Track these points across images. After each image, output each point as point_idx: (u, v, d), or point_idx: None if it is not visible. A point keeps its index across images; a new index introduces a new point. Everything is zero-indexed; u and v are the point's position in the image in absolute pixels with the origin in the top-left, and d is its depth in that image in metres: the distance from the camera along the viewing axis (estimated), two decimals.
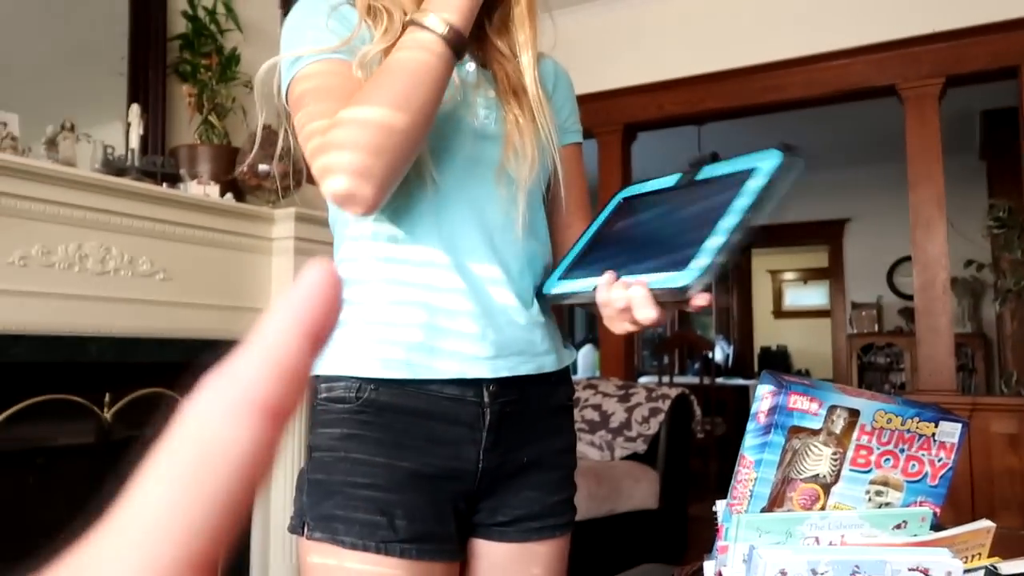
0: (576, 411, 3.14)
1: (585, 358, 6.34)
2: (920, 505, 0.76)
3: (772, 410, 0.75)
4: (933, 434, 0.76)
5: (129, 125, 2.24)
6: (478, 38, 0.94)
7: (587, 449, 3.04)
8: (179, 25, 2.50)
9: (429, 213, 0.85)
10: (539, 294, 0.89)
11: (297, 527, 0.84)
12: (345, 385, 0.84)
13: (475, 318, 0.85)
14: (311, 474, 0.85)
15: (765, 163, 0.76)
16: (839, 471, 0.76)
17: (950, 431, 0.76)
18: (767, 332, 8.07)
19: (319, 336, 0.19)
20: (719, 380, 5.57)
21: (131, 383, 2.14)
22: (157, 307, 2.14)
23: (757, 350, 7.80)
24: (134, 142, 2.22)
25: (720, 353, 6.97)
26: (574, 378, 4.12)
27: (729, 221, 0.70)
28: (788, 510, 0.75)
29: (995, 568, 0.70)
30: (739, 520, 0.71)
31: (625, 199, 0.91)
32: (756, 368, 7.45)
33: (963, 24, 2.84)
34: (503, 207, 0.88)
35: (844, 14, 3.06)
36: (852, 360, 6.13)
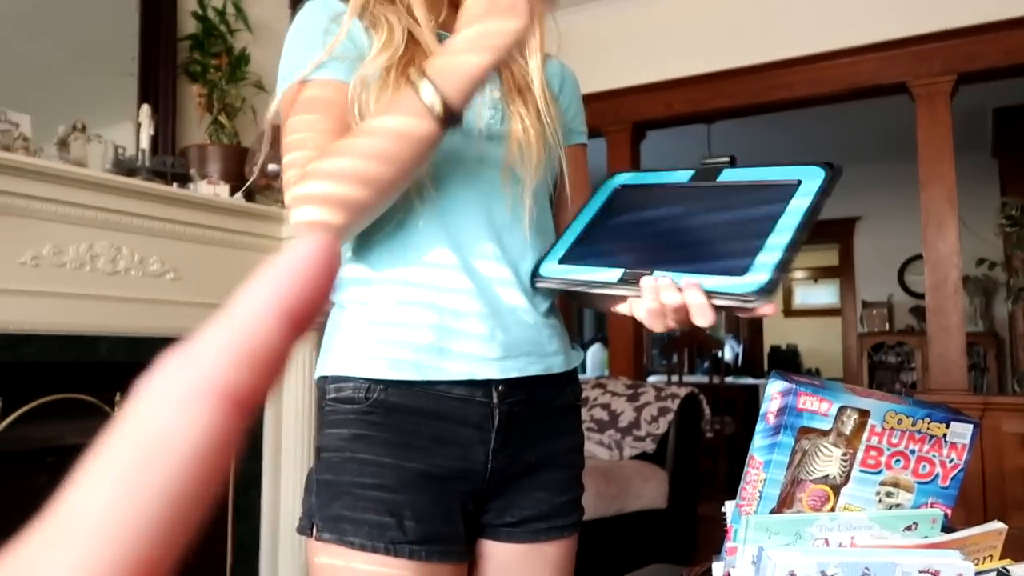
0: (585, 410, 3.14)
1: (594, 357, 6.34)
2: (931, 506, 0.75)
3: (781, 411, 0.74)
4: (944, 435, 0.75)
5: (139, 125, 2.25)
6: None
7: (596, 448, 3.03)
8: (189, 25, 2.51)
9: (436, 214, 0.85)
10: (534, 275, 0.85)
11: (305, 528, 0.84)
12: (353, 386, 0.84)
13: (483, 318, 0.85)
14: (319, 475, 0.85)
15: (809, 180, 0.79)
16: (849, 472, 0.75)
17: (961, 432, 0.76)
18: (777, 331, 8.03)
19: (300, 319, 0.16)
20: (728, 379, 5.55)
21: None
22: (167, 307, 2.15)
23: (767, 349, 7.77)
24: (144, 142, 2.23)
25: (730, 352, 6.95)
26: (583, 377, 4.12)
27: (783, 237, 0.73)
28: (797, 511, 0.75)
29: (1006, 570, 0.69)
30: (748, 521, 0.70)
31: (622, 187, 0.90)
32: (766, 367, 7.43)
33: (975, 21, 2.81)
34: (510, 206, 0.87)
35: (854, 11, 3.04)
36: (863, 359, 6.09)
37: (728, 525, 0.75)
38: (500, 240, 0.87)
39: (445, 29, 0.89)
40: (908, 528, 0.72)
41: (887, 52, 2.97)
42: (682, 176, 0.88)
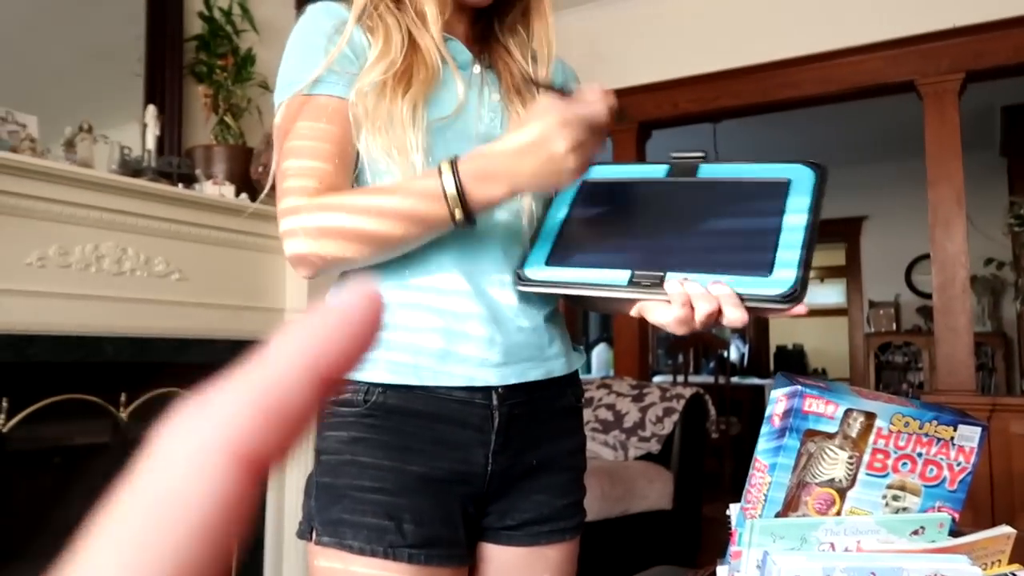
0: (590, 411, 3.14)
1: (599, 357, 6.33)
2: (938, 510, 0.74)
3: (787, 413, 0.74)
4: (952, 438, 0.75)
5: (145, 126, 2.25)
6: (486, 38, 0.93)
7: (600, 449, 3.03)
8: (195, 26, 2.51)
9: None
10: (521, 278, 0.82)
11: (305, 532, 0.84)
12: (353, 389, 0.83)
13: (484, 323, 0.84)
14: (319, 478, 0.84)
15: (798, 179, 0.79)
16: (855, 475, 0.74)
17: (969, 435, 0.75)
18: (783, 331, 8.01)
19: (331, 378, 0.15)
20: (734, 379, 5.54)
21: (147, 383, 2.16)
22: (173, 307, 2.16)
23: (773, 349, 7.74)
24: (150, 143, 2.23)
25: (735, 352, 6.93)
26: (588, 377, 4.12)
27: (796, 235, 0.74)
28: (803, 514, 0.74)
29: None
30: (753, 525, 0.70)
31: (589, 182, 0.88)
32: (772, 367, 7.40)
33: (983, 19, 2.79)
34: (510, 209, 0.87)
35: (861, 10, 3.03)
36: (869, 359, 6.07)
37: (732, 529, 0.74)
38: (500, 243, 0.86)
39: (447, 29, 0.88)
40: (915, 532, 0.71)
41: (895, 50, 2.95)
42: (657, 171, 0.87)
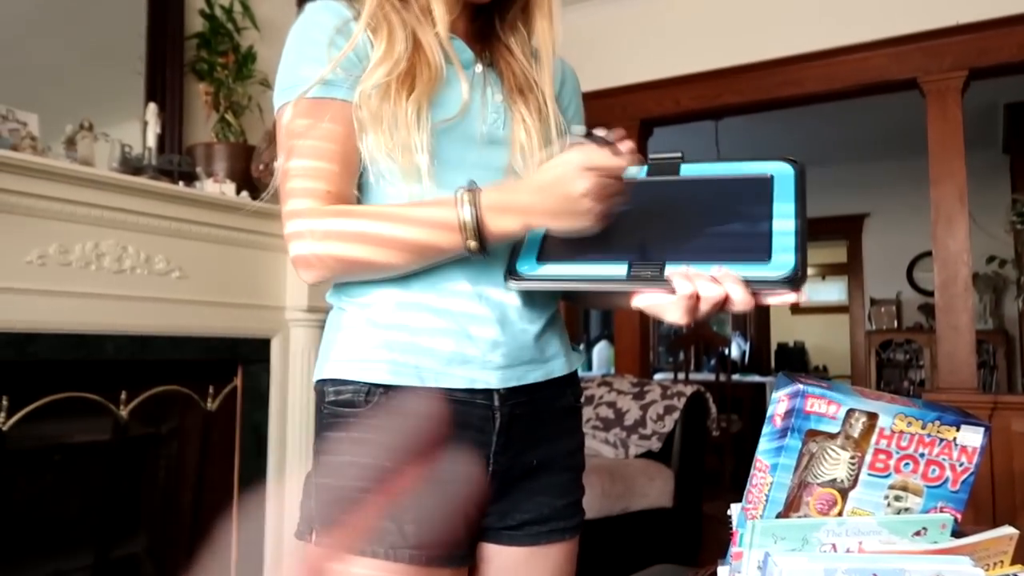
0: (590, 408, 3.14)
1: (600, 354, 6.32)
2: (941, 511, 0.74)
3: (788, 413, 0.73)
4: (954, 438, 0.74)
5: (146, 124, 2.25)
6: (487, 36, 0.92)
7: (601, 447, 3.03)
8: (196, 24, 2.51)
9: None
10: (512, 273, 0.82)
11: (304, 533, 0.83)
12: (354, 389, 0.83)
13: (488, 325, 0.84)
14: (318, 479, 0.84)
15: (779, 174, 0.81)
16: (857, 476, 0.74)
17: (972, 435, 0.74)
18: (784, 328, 8.00)
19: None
20: (735, 377, 5.53)
21: (147, 381, 2.16)
22: (173, 305, 2.16)
23: (774, 346, 7.73)
24: (151, 141, 2.23)
25: (736, 350, 6.92)
26: (589, 375, 4.10)
27: (788, 223, 0.76)
28: (804, 515, 0.74)
29: None
30: (754, 526, 0.69)
31: None
32: (773, 365, 7.40)
33: (987, 16, 2.79)
34: None
35: (864, 7, 3.02)
36: (870, 357, 6.06)
37: (734, 529, 0.74)
38: None
39: (453, 30, 0.88)
40: (917, 533, 0.71)
41: (898, 48, 2.94)
42: (636, 172, 0.87)
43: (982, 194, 3.83)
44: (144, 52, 2.40)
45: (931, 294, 4.75)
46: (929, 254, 3.19)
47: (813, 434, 0.73)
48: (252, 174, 2.41)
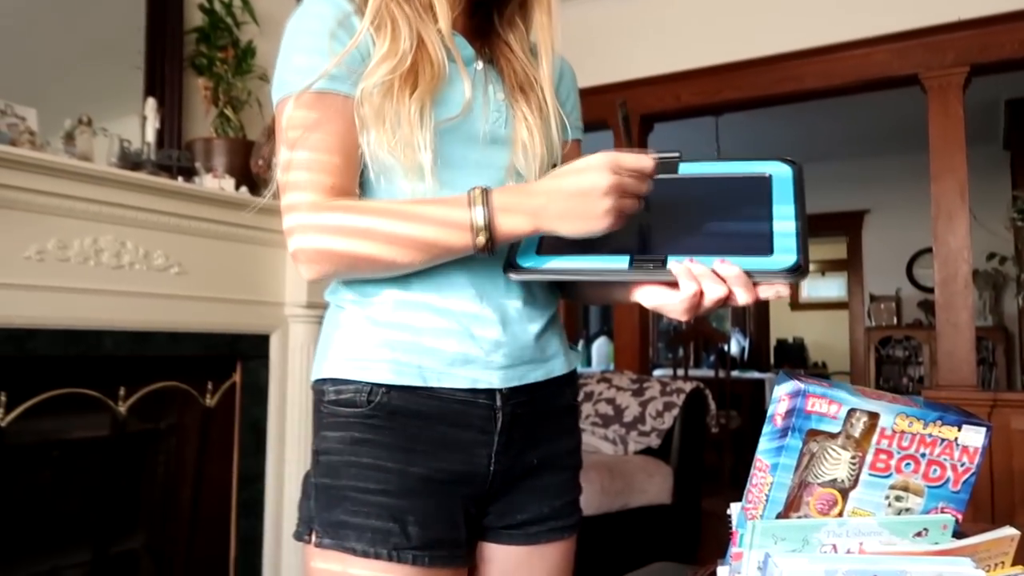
0: (590, 405, 3.13)
1: (599, 351, 6.33)
2: (941, 511, 0.74)
3: (789, 413, 0.73)
4: (956, 438, 0.74)
5: (145, 119, 2.24)
6: (486, 32, 0.92)
7: (600, 443, 3.03)
8: (195, 18, 2.50)
9: None
10: (512, 266, 0.80)
11: (303, 534, 0.83)
12: (355, 389, 0.82)
13: (490, 325, 0.84)
14: (318, 479, 0.83)
15: (778, 173, 0.82)
16: (858, 476, 0.74)
17: (974, 435, 0.74)
18: (783, 324, 8.00)
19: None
20: (734, 373, 5.53)
21: (146, 377, 2.16)
22: (172, 301, 2.15)
23: (773, 343, 7.74)
24: (150, 136, 2.23)
25: (736, 346, 6.93)
26: (588, 371, 4.10)
27: (788, 220, 0.77)
28: (804, 515, 0.74)
29: None
30: (754, 527, 0.69)
31: None
32: (772, 361, 7.40)
33: (989, 12, 2.78)
34: None
35: (865, 2, 3.01)
36: (870, 353, 6.07)
37: (734, 529, 0.74)
38: None
39: (453, 26, 0.87)
40: (918, 534, 0.70)
41: (899, 43, 2.93)
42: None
43: (982, 191, 3.82)
44: (143, 47, 2.39)
45: (931, 291, 4.75)
46: (929, 250, 3.19)
47: (814, 434, 0.73)
48: (251, 169, 2.40)
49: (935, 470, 0.74)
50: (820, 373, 7.42)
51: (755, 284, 0.73)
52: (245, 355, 2.39)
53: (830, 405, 0.72)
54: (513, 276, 0.80)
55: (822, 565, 0.64)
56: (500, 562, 0.90)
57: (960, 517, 0.74)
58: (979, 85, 2.95)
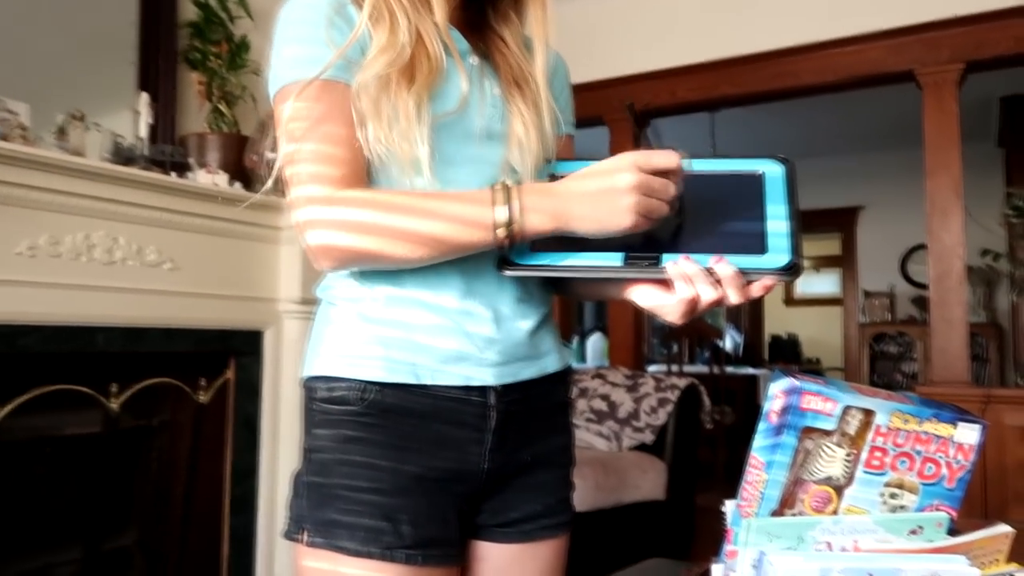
0: (584, 401, 3.14)
1: (594, 346, 6.33)
2: (936, 508, 0.74)
3: (784, 410, 0.73)
4: (951, 436, 0.74)
5: (138, 114, 2.23)
6: (479, 26, 0.91)
7: (594, 439, 3.03)
8: (189, 12, 2.48)
9: None
10: (505, 261, 0.80)
11: (294, 532, 0.82)
12: (347, 386, 0.81)
13: (484, 322, 0.83)
14: (308, 477, 0.83)
15: (770, 171, 0.82)
16: (853, 473, 0.74)
17: (969, 432, 0.74)
18: (778, 320, 8.02)
19: None
20: (729, 369, 5.54)
21: (138, 373, 2.15)
22: (165, 297, 2.14)
23: (767, 338, 7.76)
24: (143, 131, 2.21)
25: (730, 342, 6.94)
26: (583, 367, 4.09)
27: (781, 219, 0.77)
28: (799, 512, 0.73)
29: None
30: (749, 525, 0.69)
31: (555, 175, 0.87)
32: (766, 357, 7.42)
33: (985, 8, 2.78)
34: None
35: None
36: (863, 349, 6.09)
37: (728, 527, 0.74)
38: None
39: (448, 19, 0.86)
40: (913, 532, 0.70)
41: (895, 40, 2.94)
42: None
43: (976, 187, 3.83)
44: (136, 41, 2.38)
45: (924, 287, 4.76)
46: (923, 247, 3.20)
47: (809, 431, 0.72)
48: (245, 165, 2.39)
49: (930, 467, 0.74)
50: (814, 369, 7.45)
51: (748, 283, 0.74)
52: (238, 351, 2.38)
53: (825, 402, 0.72)
54: (506, 272, 0.79)
55: (817, 563, 0.64)
56: (493, 560, 0.90)
57: (955, 514, 0.74)
58: (973, 82, 2.96)
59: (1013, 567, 0.70)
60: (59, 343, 1.91)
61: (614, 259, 0.76)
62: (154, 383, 2.19)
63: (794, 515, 0.73)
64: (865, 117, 5.00)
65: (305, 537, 0.80)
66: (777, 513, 0.72)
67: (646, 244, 0.78)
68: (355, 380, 0.81)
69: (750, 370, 6.09)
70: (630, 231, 0.74)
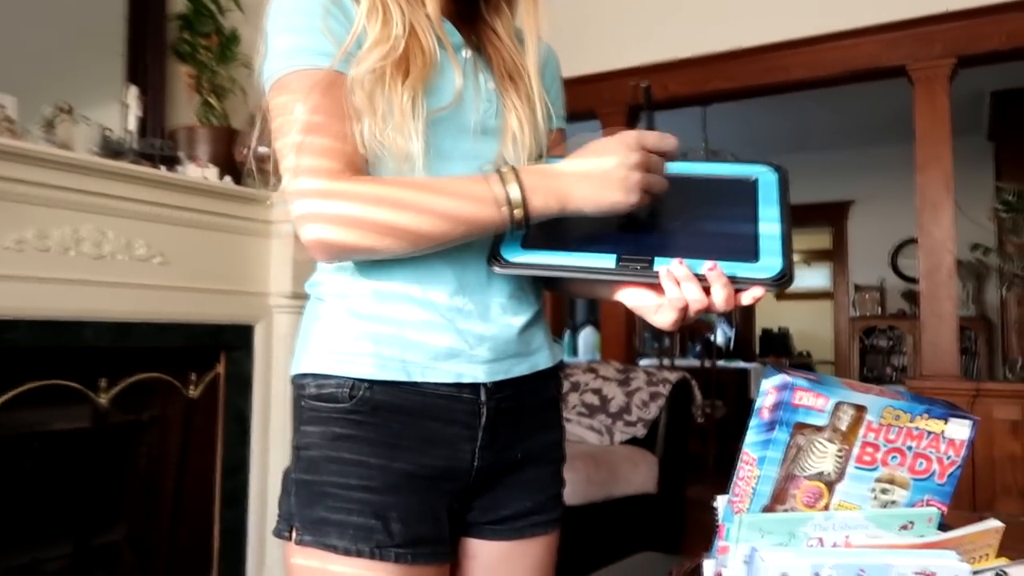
0: (576, 395, 3.14)
1: (585, 340, 6.33)
2: (927, 504, 0.74)
3: (776, 406, 0.73)
4: (942, 431, 0.74)
5: (127, 107, 2.21)
6: (471, 19, 0.90)
7: (586, 433, 3.03)
8: (178, 4, 2.46)
9: None
10: (496, 258, 0.79)
11: (283, 530, 0.82)
12: (337, 383, 0.80)
13: (475, 319, 0.82)
14: (298, 475, 0.82)
15: (764, 178, 0.83)
16: (844, 469, 0.74)
17: (960, 428, 0.74)
18: (769, 314, 8.05)
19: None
20: (720, 363, 5.56)
21: (128, 368, 2.13)
22: (154, 291, 2.13)
23: (758, 332, 7.79)
24: (132, 124, 2.19)
25: (721, 336, 6.96)
26: (575, 361, 4.09)
27: (773, 224, 0.77)
28: (790, 507, 0.74)
29: (1004, 571, 0.69)
30: (741, 520, 0.69)
31: None
32: (757, 350, 7.45)
33: (977, 3, 2.78)
34: None
35: None
36: (854, 343, 6.12)
37: (719, 523, 0.74)
38: None
39: (441, 11, 0.85)
40: (904, 527, 0.71)
41: (887, 34, 2.94)
42: None
43: (966, 181, 3.85)
44: (125, 33, 2.36)
45: (915, 281, 4.79)
46: (913, 241, 3.21)
47: (801, 427, 0.73)
48: (235, 158, 2.37)
49: (921, 463, 0.74)
50: (804, 363, 7.49)
51: (738, 291, 0.74)
52: (229, 346, 2.37)
53: (817, 398, 0.72)
54: (497, 269, 0.79)
55: (808, 559, 0.64)
56: (483, 557, 0.89)
57: (945, 509, 0.74)
58: (964, 76, 2.96)
59: (1003, 561, 0.70)
60: (47, 338, 1.90)
61: (607, 260, 0.76)
62: (144, 378, 2.18)
63: (786, 511, 0.73)
64: (857, 112, 5.02)
65: (295, 535, 0.80)
66: (769, 509, 0.72)
67: (637, 246, 0.77)
68: (345, 377, 0.80)
69: (741, 364, 6.11)
70: (633, 208, 0.75)
